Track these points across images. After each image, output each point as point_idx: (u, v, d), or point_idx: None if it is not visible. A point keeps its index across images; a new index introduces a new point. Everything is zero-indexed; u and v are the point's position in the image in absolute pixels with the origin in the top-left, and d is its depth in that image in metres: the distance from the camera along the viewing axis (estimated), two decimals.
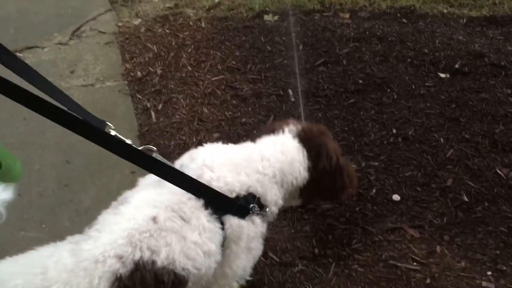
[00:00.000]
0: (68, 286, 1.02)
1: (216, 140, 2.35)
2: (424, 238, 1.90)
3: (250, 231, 1.34)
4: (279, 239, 1.95)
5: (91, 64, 2.98)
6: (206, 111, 2.59)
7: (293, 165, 1.44)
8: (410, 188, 2.11)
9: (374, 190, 2.11)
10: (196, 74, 2.85)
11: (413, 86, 2.69)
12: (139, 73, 2.86)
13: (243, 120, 2.53)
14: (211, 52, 3.05)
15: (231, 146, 1.49)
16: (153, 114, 2.58)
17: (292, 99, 2.68)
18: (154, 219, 1.16)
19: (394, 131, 2.42)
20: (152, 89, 2.75)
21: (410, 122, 2.46)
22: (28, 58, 3.02)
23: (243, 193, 1.32)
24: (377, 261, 1.84)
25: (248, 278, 1.48)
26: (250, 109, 2.61)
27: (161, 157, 1.32)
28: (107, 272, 1.06)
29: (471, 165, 2.18)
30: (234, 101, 2.65)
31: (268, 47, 3.06)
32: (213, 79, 2.81)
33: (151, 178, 1.30)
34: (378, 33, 3.13)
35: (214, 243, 1.23)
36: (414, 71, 2.81)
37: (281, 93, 2.70)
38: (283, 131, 1.50)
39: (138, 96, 2.72)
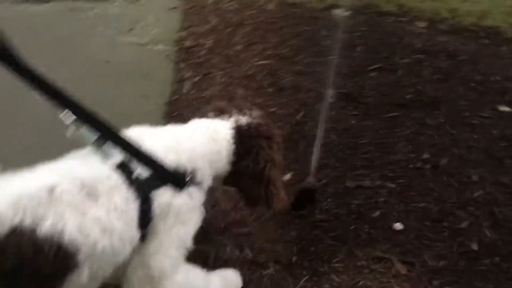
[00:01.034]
0: None
1: None
2: (411, 277, 1.71)
3: (185, 205, 1.35)
4: (261, 236, 1.87)
5: (150, 25, 3.05)
6: (241, 92, 2.54)
7: (218, 154, 1.45)
8: (418, 220, 1.91)
9: (378, 213, 1.94)
10: (243, 55, 2.81)
11: (466, 114, 2.43)
12: (189, 42, 2.87)
13: (273, 109, 2.45)
14: (267, 35, 2.98)
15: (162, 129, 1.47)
16: (188, 84, 2.58)
17: (331, 100, 2.54)
18: (52, 189, 1.11)
19: (426, 156, 2.21)
20: (196, 61, 2.75)
21: (447, 151, 2.22)
22: (95, 9, 3.15)
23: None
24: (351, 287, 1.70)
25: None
26: (283, 100, 2.52)
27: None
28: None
29: (497, 213, 1.93)
30: (270, 89, 2.57)
31: (327, 42, 2.92)
32: (258, 63, 2.75)
33: (84, 151, 1.27)
34: (450, 49, 2.86)
35: (126, 223, 1.20)
36: (474, 97, 2.54)
37: (322, 91, 2.57)
38: (227, 117, 1.51)
39: (182, 64, 2.73)
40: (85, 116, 1.22)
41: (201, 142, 1.42)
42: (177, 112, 2.42)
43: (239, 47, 2.85)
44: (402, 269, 1.74)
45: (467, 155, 2.20)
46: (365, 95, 2.56)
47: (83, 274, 1.16)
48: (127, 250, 1.26)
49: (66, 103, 1.20)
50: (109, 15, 3.12)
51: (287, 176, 2.10)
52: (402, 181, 2.08)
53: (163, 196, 1.30)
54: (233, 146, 1.45)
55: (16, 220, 1.05)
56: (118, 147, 1.25)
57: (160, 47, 2.87)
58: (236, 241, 1.85)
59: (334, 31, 3.00)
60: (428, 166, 2.16)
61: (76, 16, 3.08)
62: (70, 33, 2.95)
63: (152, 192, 1.28)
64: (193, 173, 1.37)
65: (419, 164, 2.17)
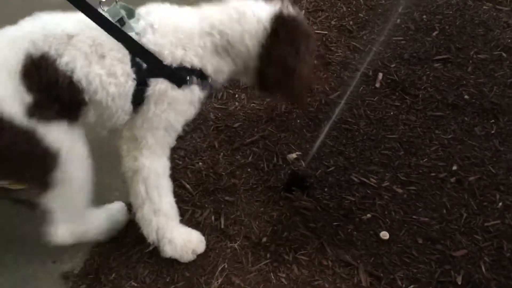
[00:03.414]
0: None
1: None
2: None
3: (182, 97, 1.48)
4: (242, 209, 1.84)
5: None
6: None
7: (243, 36, 1.48)
8: (411, 235, 1.72)
9: (369, 215, 1.79)
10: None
11: None
12: None
13: None
14: (339, 4, 2.78)
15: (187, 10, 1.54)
16: None
17: (377, 85, 2.33)
18: (70, 36, 1.36)
19: (454, 167, 1.95)
20: None
21: (481, 167, 1.94)
22: None
23: (175, 65, 1.45)
24: (305, 284, 1.61)
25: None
26: (325, 76, 2.36)
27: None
28: (22, 49, 1.33)
29: (506, 250, 1.66)
30: (316, 61, 2.42)
31: (398, 20, 2.64)
32: (317, 31, 2.59)
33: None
34: None
35: (120, 94, 1.42)
36: None
37: (370, 73, 2.36)
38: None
39: None
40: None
41: (225, 26, 1.48)
42: None
43: (302, 12, 2.70)
44: (365, 281, 1.60)
45: (502, 178, 1.90)
46: (417, 86, 2.29)
47: (90, 114, 1.44)
48: (120, 116, 1.47)
49: None
50: None
51: (293, 155, 2.02)
52: (413, 188, 1.88)
53: (160, 84, 1.45)
54: (267, 28, 1.47)
55: (45, 49, 1.33)
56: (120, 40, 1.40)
57: None
58: (216, 207, 1.85)
59: (413, 10, 2.73)
60: (452, 179, 1.91)
61: None
62: None
63: (150, 78, 1.44)
64: (196, 73, 1.48)
65: (442, 175, 1.92)
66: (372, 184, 1.90)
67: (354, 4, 2.79)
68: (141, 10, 1.50)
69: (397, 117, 2.19)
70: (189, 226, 1.75)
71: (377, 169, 1.97)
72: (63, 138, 1.41)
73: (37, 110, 1.34)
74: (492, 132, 2.08)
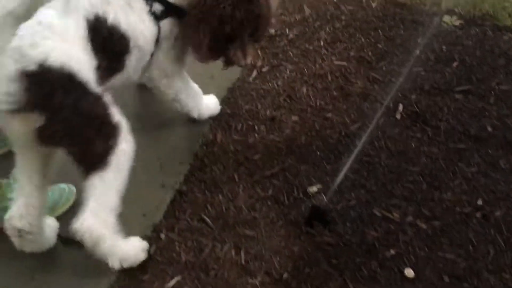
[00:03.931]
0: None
1: (292, 123, 2.28)
2: None
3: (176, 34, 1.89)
4: (263, 243, 1.81)
5: None
6: (304, 91, 2.44)
7: None
8: (437, 272, 1.68)
9: (393, 252, 1.75)
10: (323, 51, 2.67)
11: None
12: (273, 31, 2.81)
13: (329, 115, 2.31)
14: (357, 35, 2.79)
15: None
16: (254, 73, 2.55)
17: (398, 116, 2.31)
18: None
19: (480, 202, 1.91)
20: (273, 50, 2.69)
21: (507, 202, 1.90)
22: None
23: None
24: None
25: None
26: (345, 107, 2.35)
27: None
28: (82, 13, 1.56)
29: None
30: (335, 93, 2.42)
31: (418, 51, 2.63)
32: (335, 62, 2.59)
33: None
34: None
35: (149, 36, 1.78)
36: None
37: (391, 105, 2.35)
38: None
39: (258, 52, 2.70)
40: None
41: None
42: (233, 99, 2.41)
43: (321, 43, 2.71)
44: None
45: None
46: (438, 118, 2.27)
47: (132, 59, 1.75)
48: (148, 55, 1.83)
49: None
50: None
51: (314, 188, 1.99)
52: (438, 223, 1.84)
53: (167, 25, 1.83)
54: None
55: (95, 11, 1.59)
56: None
57: None
58: (236, 242, 1.82)
59: (433, 40, 2.72)
60: (477, 214, 1.87)
61: None
62: None
63: (161, 21, 1.79)
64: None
65: (467, 210, 1.88)
66: (395, 219, 1.86)
67: (372, 35, 2.79)
68: None
69: (419, 149, 2.16)
70: (209, 262, 1.74)
71: (399, 203, 1.93)
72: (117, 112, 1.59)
73: (100, 73, 1.57)
74: None
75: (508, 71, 2.49)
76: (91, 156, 1.52)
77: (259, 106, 2.36)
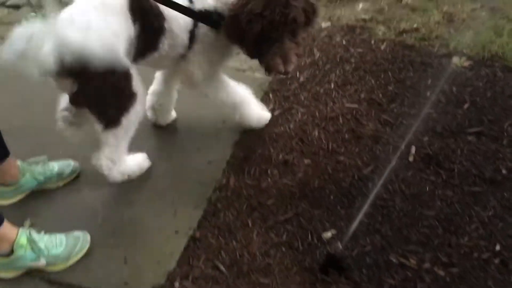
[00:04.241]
0: None
1: (305, 166, 2.28)
2: None
3: (214, 37, 1.99)
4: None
5: None
6: (316, 134, 2.45)
7: None
8: None
9: None
10: (334, 94, 2.70)
11: None
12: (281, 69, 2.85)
13: (341, 158, 2.31)
14: (367, 77, 2.82)
15: None
16: None
17: (411, 159, 2.31)
18: None
19: (498, 248, 1.88)
20: (284, 94, 2.72)
21: None
22: None
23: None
24: None
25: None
26: (357, 150, 2.35)
27: None
28: None
29: None
30: (347, 135, 2.43)
31: (428, 93, 2.66)
32: (346, 105, 2.61)
33: None
34: None
35: (182, 39, 1.96)
36: None
37: (403, 147, 2.35)
38: None
39: (270, 95, 2.73)
40: None
41: None
42: (244, 144, 2.43)
43: (332, 86, 2.74)
44: None
45: None
46: (452, 160, 2.26)
47: (165, 43, 1.90)
48: (180, 49, 1.98)
49: None
50: None
51: (328, 234, 1.98)
52: (456, 270, 1.80)
53: (201, 29, 1.96)
54: None
55: None
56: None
57: (258, 75, 2.89)
58: None
59: (443, 83, 2.74)
60: (496, 260, 1.83)
61: None
62: None
63: (196, 27, 1.95)
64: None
65: (485, 256, 1.85)
66: (412, 265, 1.83)
67: (382, 77, 2.82)
68: None
69: (433, 192, 2.14)
70: None
71: (416, 248, 1.91)
72: (138, 81, 1.85)
73: (135, 46, 1.78)
74: None
75: None
76: (108, 118, 1.85)
77: (272, 150, 2.37)
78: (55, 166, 2.18)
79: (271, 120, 2.54)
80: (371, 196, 1.96)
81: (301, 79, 2.83)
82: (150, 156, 2.42)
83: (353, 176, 2.23)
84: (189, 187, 2.24)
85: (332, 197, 2.15)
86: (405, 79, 2.77)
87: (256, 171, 2.29)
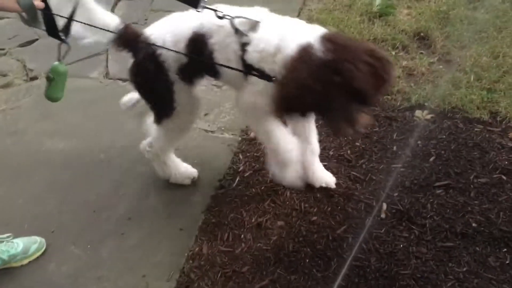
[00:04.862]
0: None
1: (279, 228, 2.26)
2: None
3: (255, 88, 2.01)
4: None
5: (224, 112, 3.11)
6: (288, 194, 2.45)
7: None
8: None
9: None
10: None
11: None
12: (253, 134, 2.87)
13: (314, 218, 2.30)
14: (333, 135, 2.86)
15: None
16: (237, 179, 2.56)
17: (382, 215, 2.32)
18: (219, 26, 2.01)
19: None
20: (255, 154, 2.73)
21: None
22: None
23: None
24: None
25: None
26: (329, 209, 2.35)
27: None
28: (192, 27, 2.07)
29: None
30: (319, 194, 2.43)
31: (395, 147, 2.71)
32: None
33: None
34: None
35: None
36: None
37: (374, 204, 2.37)
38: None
39: (240, 156, 2.73)
40: None
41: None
42: (218, 207, 2.40)
43: None
44: None
45: None
46: (423, 215, 2.28)
47: (223, 76, 2.12)
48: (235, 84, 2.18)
49: None
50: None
51: None
52: None
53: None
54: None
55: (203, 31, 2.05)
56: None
57: (227, 135, 2.91)
58: None
59: (408, 136, 2.81)
60: None
61: None
62: None
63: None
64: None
65: None
66: None
67: (350, 138, 2.86)
68: None
69: (407, 249, 2.14)
70: None
71: None
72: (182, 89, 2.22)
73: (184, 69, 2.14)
74: (507, 262, 2.03)
75: (484, 163, 2.56)
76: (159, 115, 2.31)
77: (244, 213, 2.35)
78: (20, 243, 2.09)
79: (242, 182, 2.53)
80: (348, 261, 1.94)
81: None
82: (119, 227, 2.36)
83: (327, 236, 2.22)
84: (161, 257, 2.19)
85: (307, 260, 2.13)
86: (372, 134, 2.83)
87: (229, 236, 2.25)
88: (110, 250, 2.22)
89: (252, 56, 1.94)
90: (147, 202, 2.50)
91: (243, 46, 1.94)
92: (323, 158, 2.68)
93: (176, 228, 2.32)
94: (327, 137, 2.84)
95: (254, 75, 1.96)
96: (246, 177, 2.56)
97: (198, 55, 2.03)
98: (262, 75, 1.93)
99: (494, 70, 3.21)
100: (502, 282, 1.95)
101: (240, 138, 2.87)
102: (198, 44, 2.03)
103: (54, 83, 1.86)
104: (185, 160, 2.66)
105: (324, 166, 2.59)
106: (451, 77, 3.24)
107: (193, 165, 2.66)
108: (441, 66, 3.40)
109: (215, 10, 1.93)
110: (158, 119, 2.33)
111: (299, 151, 2.22)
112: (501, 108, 2.92)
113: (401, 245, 2.17)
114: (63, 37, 1.81)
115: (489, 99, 3.00)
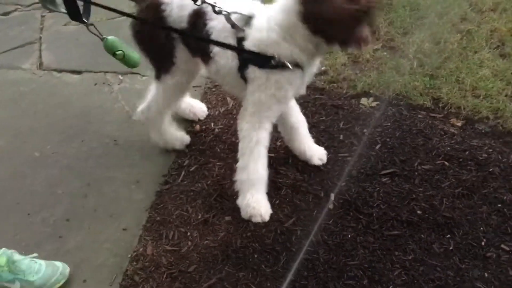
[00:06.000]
0: None
1: (226, 224, 2.21)
2: None
3: (265, 78, 1.99)
4: None
5: None
6: (235, 188, 2.39)
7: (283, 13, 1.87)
8: None
9: None
10: None
11: (483, 243, 2.09)
12: (198, 126, 2.79)
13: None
14: None
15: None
16: (182, 173, 2.48)
17: (330, 206, 2.31)
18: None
19: None
20: (200, 147, 2.65)
21: None
22: (124, 82, 3.18)
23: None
24: None
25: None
26: (277, 202, 2.32)
27: None
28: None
29: None
30: (267, 187, 2.39)
31: (341, 136, 2.70)
32: None
33: None
34: (481, 158, 2.52)
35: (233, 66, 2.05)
36: (497, 222, 2.18)
37: (322, 195, 2.35)
38: None
39: (186, 150, 2.64)
40: None
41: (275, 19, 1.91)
42: (162, 204, 2.31)
43: None
44: None
45: None
46: (370, 204, 2.29)
47: (214, 65, 2.10)
48: (231, 84, 2.18)
49: None
50: (133, 90, 3.13)
51: None
52: None
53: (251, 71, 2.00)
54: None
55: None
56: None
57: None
58: None
59: (353, 124, 2.81)
60: None
61: (102, 90, 3.12)
62: (93, 106, 2.98)
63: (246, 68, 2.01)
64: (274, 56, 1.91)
65: None
66: None
67: None
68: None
69: (355, 239, 2.14)
70: None
71: None
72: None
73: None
74: (451, 248, 2.07)
75: (427, 149, 2.59)
76: (159, 69, 2.34)
77: (190, 210, 2.27)
78: None
79: (188, 177, 2.45)
80: (299, 257, 1.91)
81: (216, 130, 2.77)
82: (57, 229, 2.23)
83: (275, 230, 2.18)
84: (103, 260, 2.08)
85: (256, 255, 2.08)
86: (319, 123, 2.81)
87: (175, 234, 2.18)
88: (48, 254, 2.08)
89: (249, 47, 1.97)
90: (86, 201, 2.37)
91: (240, 40, 1.96)
92: (270, 149, 2.63)
93: (119, 228, 2.22)
94: (274, 127, 2.80)
95: (251, 54, 1.96)
96: (192, 172, 2.48)
97: (195, 31, 2.05)
98: (259, 57, 1.95)
99: (435, 57, 3.27)
100: (446, 269, 1.99)
101: (185, 131, 2.78)
102: (198, 20, 2.04)
103: (125, 54, 1.89)
104: (126, 155, 2.55)
105: (272, 157, 2.55)
106: (395, 64, 3.27)
107: (136, 161, 2.55)
108: (385, 53, 3.42)
109: (213, 6, 1.94)
110: (158, 74, 2.33)
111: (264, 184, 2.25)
112: (443, 95, 2.97)
113: (349, 236, 2.17)
114: (85, 20, 1.81)
115: (432, 86, 3.05)
